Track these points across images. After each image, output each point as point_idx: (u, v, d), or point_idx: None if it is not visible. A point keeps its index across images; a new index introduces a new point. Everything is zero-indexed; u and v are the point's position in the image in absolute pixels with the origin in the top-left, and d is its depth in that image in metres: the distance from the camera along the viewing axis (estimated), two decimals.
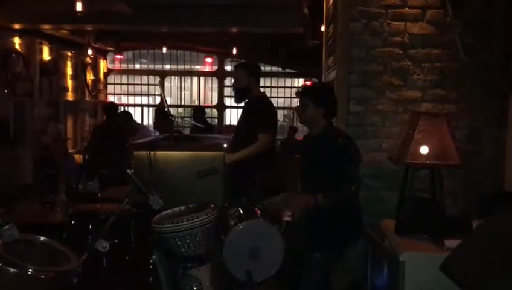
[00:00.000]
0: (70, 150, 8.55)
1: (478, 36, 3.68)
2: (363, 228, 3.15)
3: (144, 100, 12.40)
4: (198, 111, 9.39)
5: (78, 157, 8.19)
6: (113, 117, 6.81)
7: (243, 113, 4.37)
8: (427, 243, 2.67)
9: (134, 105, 11.95)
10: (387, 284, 2.82)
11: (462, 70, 3.71)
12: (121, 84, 12.49)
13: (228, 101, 12.20)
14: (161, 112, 8.26)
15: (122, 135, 6.32)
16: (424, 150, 3.07)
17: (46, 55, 8.79)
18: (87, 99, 10.81)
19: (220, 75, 12.11)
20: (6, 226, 1.92)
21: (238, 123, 4.36)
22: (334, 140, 2.99)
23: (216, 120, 11.92)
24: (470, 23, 3.68)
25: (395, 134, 3.65)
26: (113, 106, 7.37)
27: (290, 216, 3.25)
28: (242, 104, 4.31)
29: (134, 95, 12.50)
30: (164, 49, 11.17)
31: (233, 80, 4.30)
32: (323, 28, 5.06)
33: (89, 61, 10.73)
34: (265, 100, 4.25)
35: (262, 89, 4.34)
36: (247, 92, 4.13)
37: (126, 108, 10.77)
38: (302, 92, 3.14)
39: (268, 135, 3.98)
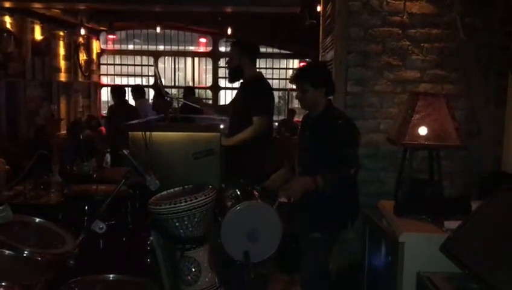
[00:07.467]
0: (64, 131, 8.49)
1: (478, 15, 3.64)
2: (360, 209, 3.14)
3: (138, 81, 12.29)
4: (188, 92, 9.38)
5: None
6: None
7: (237, 94, 4.26)
8: (426, 223, 2.66)
9: (128, 86, 11.94)
10: (385, 264, 2.81)
11: (462, 50, 3.67)
12: (114, 64, 12.37)
13: (223, 82, 12.11)
14: (157, 92, 8.23)
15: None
16: (422, 130, 3.03)
17: (38, 35, 8.66)
18: (80, 80, 10.71)
19: (214, 55, 12.00)
20: (0, 207, 1.88)
21: (234, 105, 4.22)
22: (334, 121, 2.96)
23: (210, 101, 11.85)
24: (470, 2, 3.64)
25: (393, 115, 3.62)
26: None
27: (287, 198, 3.22)
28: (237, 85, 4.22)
29: (128, 75, 12.39)
30: (158, 29, 11.04)
31: (227, 58, 4.21)
32: (319, 8, 4.98)
33: (82, 41, 10.59)
34: (261, 81, 4.11)
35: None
36: (239, 71, 4.02)
37: None
38: (298, 78, 3.05)
39: (263, 118, 3.88)
